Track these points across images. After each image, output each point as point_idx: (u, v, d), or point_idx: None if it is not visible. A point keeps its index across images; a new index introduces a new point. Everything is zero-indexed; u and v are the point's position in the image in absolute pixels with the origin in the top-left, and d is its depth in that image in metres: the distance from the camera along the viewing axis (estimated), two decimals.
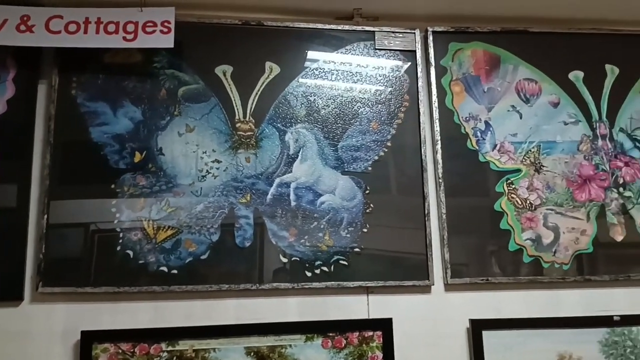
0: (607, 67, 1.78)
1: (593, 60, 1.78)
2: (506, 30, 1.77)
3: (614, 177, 1.71)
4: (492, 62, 1.75)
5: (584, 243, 1.65)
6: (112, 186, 1.54)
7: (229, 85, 1.62)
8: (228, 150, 1.59)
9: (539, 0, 1.72)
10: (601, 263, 1.65)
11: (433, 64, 1.72)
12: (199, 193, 1.54)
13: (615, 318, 1.60)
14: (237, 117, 1.61)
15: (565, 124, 1.73)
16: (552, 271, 1.62)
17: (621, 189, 1.70)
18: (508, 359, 1.53)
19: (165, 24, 1.55)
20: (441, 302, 1.60)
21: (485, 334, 1.54)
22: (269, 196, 1.56)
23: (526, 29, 1.77)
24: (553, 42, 1.78)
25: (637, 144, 1.74)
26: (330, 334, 1.49)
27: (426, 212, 1.62)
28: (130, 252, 1.50)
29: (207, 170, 1.57)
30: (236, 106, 1.61)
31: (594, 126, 1.74)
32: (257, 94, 1.63)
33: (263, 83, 1.64)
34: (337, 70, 1.68)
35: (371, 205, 1.60)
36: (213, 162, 1.57)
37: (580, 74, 1.77)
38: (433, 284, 1.58)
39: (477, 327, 1.55)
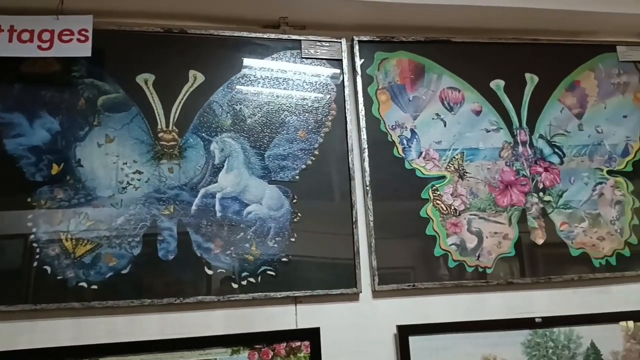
0: (527, 75, 1.84)
1: (513, 69, 1.84)
2: (430, 40, 1.80)
3: (534, 182, 1.77)
4: (416, 71, 1.78)
5: (506, 247, 1.70)
6: (29, 199, 1.47)
7: (151, 94, 1.59)
8: (150, 160, 1.55)
9: (462, 11, 1.76)
10: (523, 266, 1.70)
11: (359, 72, 1.74)
12: (119, 205, 1.50)
13: (537, 320, 1.64)
14: (159, 126, 1.57)
15: (487, 131, 1.78)
16: (476, 275, 1.66)
17: (541, 194, 1.76)
18: None
19: (83, 32, 1.51)
20: (369, 309, 1.60)
21: (412, 340, 1.56)
22: (194, 207, 1.54)
23: (449, 39, 1.81)
24: (475, 52, 1.83)
25: (556, 150, 1.81)
26: (257, 346, 1.48)
27: (354, 219, 1.63)
28: (48, 268, 1.44)
29: (128, 182, 1.52)
30: (158, 115, 1.58)
31: (515, 133, 1.79)
32: (180, 103, 1.60)
33: (187, 92, 1.61)
34: (263, 79, 1.67)
35: (299, 214, 1.59)
36: (134, 173, 1.53)
37: (501, 82, 1.82)
38: (361, 292, 1.59)
39: (404, 333, 1.56)
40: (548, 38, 1.88)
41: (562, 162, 1.80)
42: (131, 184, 1.52)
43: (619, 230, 1.77)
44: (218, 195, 1.56)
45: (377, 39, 1.77)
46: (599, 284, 1.73)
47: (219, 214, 1.54)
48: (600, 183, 1.80)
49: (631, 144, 1.85)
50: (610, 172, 1.82)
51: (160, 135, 1.57)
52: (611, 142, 1.84)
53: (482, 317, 1.64)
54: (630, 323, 1.70)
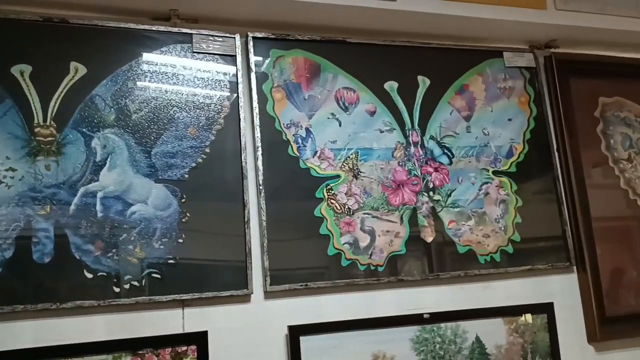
0: (419, 78, 1.89)
1: (406, 71, 1.88)
2: (326, 39, 1.81)
3: (424, 181, 1.82)
4: (312, 70, 1.78)
5: (397, 245, 1.73)
6: None
7: (27, 86, 1.48)
8: (25, 157, 1.44)
9: (357, 12, 1.78)
10: (413, 263, 1.74)
11: (254, 69, 1.71)
12: None
13: (425, 316, 1.69)
14: (36, 121, 1.47)
15: (381, 131, 1.81)
16: (368, 273, 1.68)
17: (431, 193, 1.81)
18: None
19: None
20: (261, 310, 1.58)
21: (303, 339, 1.55)
22: (72, 207, 1.44)
23: (345, 39, 1.83)
24: (370, 53, 1.85)
25: (446, 150, 1.87)
26: (140, 352, 1.41)
27: (246, 219, 1.60)
28: None
29: (0, 180, 1.41)
30: (35, 109, 1.47)
31: (407, 134, 1.83)
32: (60, 96, 1.50)
33: (67, 85, 1.51)
34: (151, 73, 1.60)
35: (188, 214, 1.54)
36: (7, 170, 1.42)
37: (394, 84, 1.85)
38: (252, 293, 1.56)
39: (295, 333, 1.55)
40: (439, 42, 1.94)
41: (451, 163, 1.86)
42: (3, 182, 1.41)
43: (503, 228, 1.86)
44: (99, 195, 1.47)
45: (272, 36, 1.75)
46: (484, 279, 1.81)
47: (100, 214, 1.46)
48: (486, 183, 1.88)
49: (515, 145, 1.95)
50: (495, 173, 1.90)
51: (36, 130, 1.46)
52: (497, 144, 1.93)
53: (374, 315, 1.67)
54: (513, 317, 1.78)
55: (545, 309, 1.81)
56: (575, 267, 1.91)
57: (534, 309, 1.80)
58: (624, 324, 1.91)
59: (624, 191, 2.04)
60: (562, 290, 1.89)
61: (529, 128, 1.98)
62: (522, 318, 1.77)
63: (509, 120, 1.97)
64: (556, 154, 1.98)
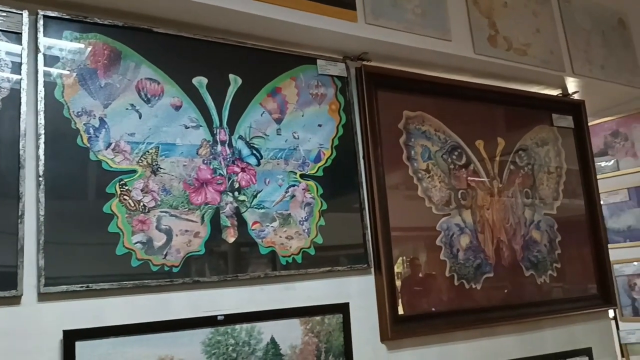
0: (231, 76, 1.86)
1: (218, 68, 1.84)
2: (129, 26, 1.70)
3: (230, 181, 1.79)
4: (112, 57, 1.67)
5: (196, 245, 1.68)
6: None
7: None
8: None
9: (168, 2, 1.70)
10: (212, 264, 1.70)
11: (42, 50, 1.56)
12: None
13: (219, 317, 1.65)
14: None
15: (187, 127, 1.75)
16: (161, 275, 1.60)
17: (236, 193, 1.79)
18: None
19: None
20: (33, 314, 1.43)
21: (80, 345, 1.43)
22: None
23: (151, 28, 1.74)
24: (178, 46, 1.79)
25: (254, 151, 1.86)
26: None
27: (20, 213, 1.44)
28: None
29: None
30: None
31: (215, 132, 1.79)
32: None
33: None
34: None
35: None
36: None
37: (204, 80, 1.81)
38: (22, 295, 1.41)
39: (70, 338, 1.43)
40: (254, 43, 1.93)
41: (259, 164, 1.85)
42: None
43: (306, 230, 1.89)
44: None
45: (67, 17, 1.61)
46: (285, 280, 1.82)
47: None
48: (293, 185, 1.90)
49: (323, 151, 2.00)
50: (302, 176, 1.93)
51: None
52: (306, 148, 1.96)
53: (166, 318, 1.59)
54: (310, 317, 1.81)
55: (341, 309, 1.86)
56: (372, 270, 2.00)
57: (330, 309, 1.85)
58: (414, 323, 2.03)
59: (421, 199, 2.18)
60: (359, 291, 1.96)
61: (337, 135, 2.04)
62: (318, 318, 1.81)
63: (319, 125, 2.01)
64: (362, 161, 2.07)
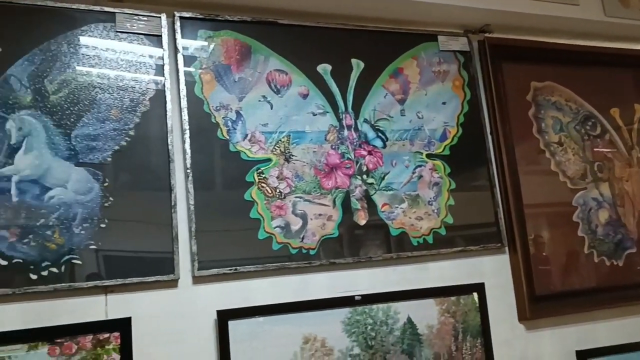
0: (353, 61, 1.88)
1: (340, 54, 1.87)
2: (257, 20, 1.77)
3: (358, 165, 1.81)
4: (243, 52, 1.75)
5: (329, 228, 1.73)
6: None
7: None
8: None
9: None
10: (345, 246, 1.74)
11: (181, 50, 1.66)
12: None
13: (356, 298, 1.69)
14: None
15: (314, 114, 1.79)
16: (300, 257, 1.67)
17: (365, 176, 1.81)
18: (254, 346, 1.54)
19: None
20: (188, 296, 1.55)
21: (232, 324, 1.54)
22: None
23: (276, 21, 1.80)
24: (302, 35, 1.83)
25: (380, 134, 1.87)
26: (59, 340, 1.37)
27: (173, 204, 1.56)
28: None
29: None
30: None
31: (340, 117, 1.83)
32: None
33: None
34: (71, 53, 1.54)
35: (110, 198, 1.50)
36: None
37: (328, 66, 1.84)
38: (179, 278, 1.53)
39: (223, 318, 1.53)
40: (374, 25, 1.93)
41: (384, 146, 1.86)
42: None
43: (436, 211, 1.87)
44: (14, 178, 1.41)
45: (200, 16, 1.71)
46: (416, 261, 1.82)
47: (15, 199, 1.40)
48: (420, 166, 1.89)
49: (449, 129, 1.96)
50: (429, 156, 1.91)
51: None
52: (430, 127, 1.94)
53: (306, 298, 1.66)
54: (445, 298, 1.80)
55: (477, 289, 1.84)
56: (506, 248, 1.95)
57: (465, 289, 1.83)
58: (552, 302, 1.95)
59: (554, 174, 2.08)
60: (493, 270, 1.92)
61: (462, 112, 2.00)
62: (453, 298, 1.80)
63: (443, 103, 1.98)
64: (489, 137, 2.01)
